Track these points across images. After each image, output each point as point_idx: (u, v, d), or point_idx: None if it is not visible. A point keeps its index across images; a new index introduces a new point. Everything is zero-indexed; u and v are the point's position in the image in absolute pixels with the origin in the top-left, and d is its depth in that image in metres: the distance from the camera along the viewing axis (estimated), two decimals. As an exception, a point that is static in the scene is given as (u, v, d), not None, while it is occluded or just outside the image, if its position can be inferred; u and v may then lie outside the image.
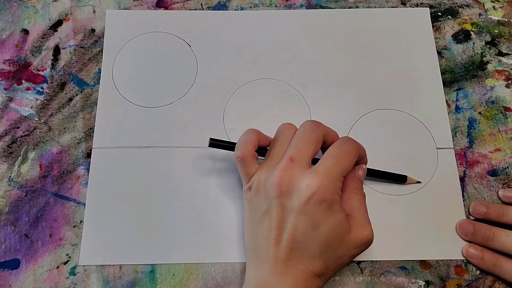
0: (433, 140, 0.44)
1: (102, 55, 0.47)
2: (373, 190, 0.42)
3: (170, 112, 0.45)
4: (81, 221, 0.41)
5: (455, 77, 0.47)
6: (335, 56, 0.48)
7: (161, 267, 0.39)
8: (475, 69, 0.47)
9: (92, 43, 0.48)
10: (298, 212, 0.33)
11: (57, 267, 0.39)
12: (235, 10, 0.50)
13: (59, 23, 0.49)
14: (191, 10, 0.50)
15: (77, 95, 0.46)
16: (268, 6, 0.50)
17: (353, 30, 0.49)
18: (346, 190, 0.37)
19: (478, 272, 0.40)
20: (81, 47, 0.48)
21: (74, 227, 0.41)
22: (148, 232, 0.40)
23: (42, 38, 0.48)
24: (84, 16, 0.49)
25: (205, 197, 0.42)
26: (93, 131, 0.44)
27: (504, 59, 0.48)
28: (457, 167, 0.43)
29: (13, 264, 0.39)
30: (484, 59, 0.48)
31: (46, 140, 0.44)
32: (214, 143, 0.39)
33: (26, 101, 0.45)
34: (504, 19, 0.50)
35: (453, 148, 0.44)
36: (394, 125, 0.45)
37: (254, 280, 0.35)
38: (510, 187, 0.43)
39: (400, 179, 0.42)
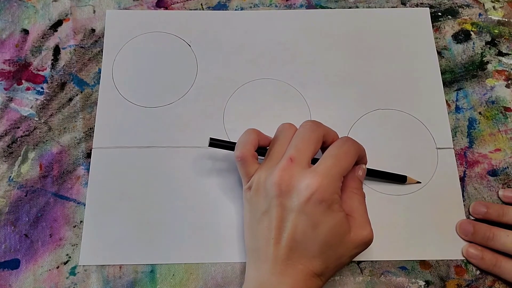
0: (433, 140, 0.44)
1: (102, 55, 0.47)
2: (373, 190, 0.42)
3: (170, 112, 0.45)
4: (81, 221, 0.41)
5: (455, 77, 0.47)
6: (335, 56, 0.48)
7: (161, 267, 0.39)
8: (475, 69, 0.47)
9: (92, 43, 0.48)
10: (298, 212, 0.33)
11: (57, 267, 0.39)
12: (235, 10, 0.50)
13: (59, 23, 0.49)
14: (191, 10, 0.50)
15: (77, 95, 0.46)
16: (268, 6, 0.50)
17: (353, 30, 0.49)
18: (346, 190, 0.37)
19: (478, 272, 0.40)
20: (81, 47, 0.48)
21: (74, 227, 0.41)
22: (148, 232, 0.40)
23: (42, 38, 0.48)
24: (84, 16, 0.49)
25: (205, 197, 0.42)
26: (93, 131, 0.44)
27: (504, 59, 0.48)
28: (457, 167, 0.43)
29: (13, 264, 0.39)
30: (484, 59, 0.48)
31: (46, 140, 0.44)
32: (214, 143, 0.39)
33: (26, 101, 0.45)
34: (504, 19, 0.50)
35: (453, 148, 0.44)
36: (394, 125, 0.45)
37: (254, 280, 0.35)
38: (510, 187, 0.43)
39: (400, 179, 0.42)
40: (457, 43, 0.49)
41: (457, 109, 0.46)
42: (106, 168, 0.43)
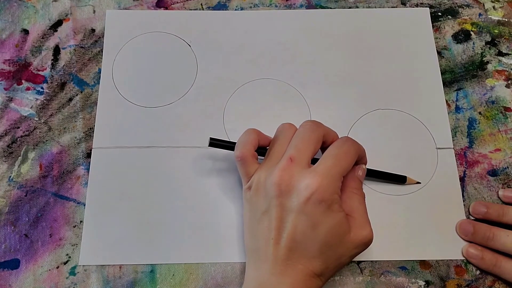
0: (433, 140, 0.44)
1: (102, 55, 0.47)
2: (373, 190, 0.42)
3: (170, 112, 0.45)
4: (81, 221, 0.41)
5: (455, 77, 0.47)
6: (335, 56, 0.48)
7: (161, 267, 0.39)
8: (475, 69, 0.47)
9: (92, 43, 0.48)
10: (298, 212, 0.33)
11: (57, 267, 0.39)
12: (235, 10, 0.50)
13: (59, 23, 0.49)
14: (191, 10, 0.50)
15: (77, 95, 0.46)
16: (268, 6, 0.50)
17: (353, 30, 0.49)
18: (346, 190, 0.37)
19: (478, 272, 0.40)
20: (81, 47, 0.48)
21: (74, 227, 0.41)
22: (148, 232, 0.40)
23: (42, 38, 0.48)
24: (84, 16, 0.49)
25: (205, 197, 0.42)
26: (93, 131, 0.44)
27: (504, 59, 0.48)
28: (457, 167, 0.43)
29: (13, 264, 0.39)
30: (484, 59, 0.48)
31: (46, 140, 0.44)
32: (214, 142, 0.39)
33: (26, 101, 0.45)
34: (504, 19, 0.50)
35: (453, 148, 0.44)
36: (394, 125, 0.45)
37: (253, 280, 0.35)
38: (510, 187, 0.43)
39: (399, 180, 0.42)
40: (457, 43, 0.49)
41: (457, 109, 0.46)
42: (106, 168, 0.43)
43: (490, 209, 0.40)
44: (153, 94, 0.46)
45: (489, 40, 0.49)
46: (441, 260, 0.40)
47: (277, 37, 0.48)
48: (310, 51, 0.48)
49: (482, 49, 0.48)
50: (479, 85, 0.47)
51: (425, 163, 0.43)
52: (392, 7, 0.50)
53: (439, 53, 0.48)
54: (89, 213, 0.41)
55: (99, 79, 0.46)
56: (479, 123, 0.45)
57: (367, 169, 0.40)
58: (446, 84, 0.47)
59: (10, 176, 0.42)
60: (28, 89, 0.46)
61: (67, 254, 0.40)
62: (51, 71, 0.46)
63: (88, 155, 0.43)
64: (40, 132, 0.44)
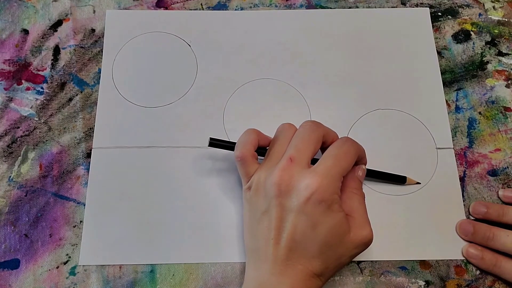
0: (433, 140, 0.44)
1: (102, 55, 0.47)
2: (373, 190, 0.42)
3: (170, 112, 0.45)
4: (81, 221, 0.41)
5: (455, 77, 0.47)
6: (335, 56, 0.48)
7: (161, 267, 0.39)
8: (475, 69, 0.47)
9: (92, 43, 0.48)
10: (298, 212, 0.33)
11: (57, 267, 0.39)
12: (235, 10, 0.50)
13: (59, 23, 0.49)
14: (191, 10, 0.50)
15: (77, 95, 0.46)
16: (268, 6, 0.50)
17: (353, 30, 0.49)
18: (346, 190, 0.37)
19: (478, 272, 0.40)
20: (81, 47, 0.48)
21: (74, 227, 0.41)
22: (148, 232, 0.40)
23: (42, 38, 0.48)
24: (84, 16, 0.49)
25: (205, 197, 0.42)
26: (93, 131, 0.44)
27: (504, 59, 0.48)
28: (457, 167, 0.43)
29: (13, 264, 0.39)
30: (484, 59, 0.48)
31: (46, 140, 0.44)
32: (214, 142, 0.39)
33: (26, 101, 0.45)
34: (504, 19, 0.50)
35: (453, 148, 0.44)
36: (394, 125, 0.45)
37: (253, 280, 0.35)
38: (510, 187, 0.42)
39: (399, 180, 0.42)
40: (457, 43, 0.49)
41: (457, 109, 0.46)
42: (106, 168, 0.43)
43: (490, 209, 0.40)
44: (153, 94, 0.46)
45: (489, 40, 0.49)
46: (441, 260, 0.40)
47: (277, 37, 0.48)
48: (310, 51, 0.48)
49: (482, 49, 0.48)
50: (479, 85, 0.47)
51: (425, 163, 0.43)
52: (392, 7, 0.50)
53: (439, 53, 0.48)
54: (89, 213, 0.41)
55: (99, 79, 0.46)
56: (479, 123, 0.45)
57: (367, 169, 0.40)
58: (446, 84, 0.47)
59: (10, 176, 0.42)
60: (28, 89, 0.46)
61: (67, 254, 0.40)
62: (51, 71, 0.46)
63: (88, 155, 0.43)
64: (40, 132, 0.44)
